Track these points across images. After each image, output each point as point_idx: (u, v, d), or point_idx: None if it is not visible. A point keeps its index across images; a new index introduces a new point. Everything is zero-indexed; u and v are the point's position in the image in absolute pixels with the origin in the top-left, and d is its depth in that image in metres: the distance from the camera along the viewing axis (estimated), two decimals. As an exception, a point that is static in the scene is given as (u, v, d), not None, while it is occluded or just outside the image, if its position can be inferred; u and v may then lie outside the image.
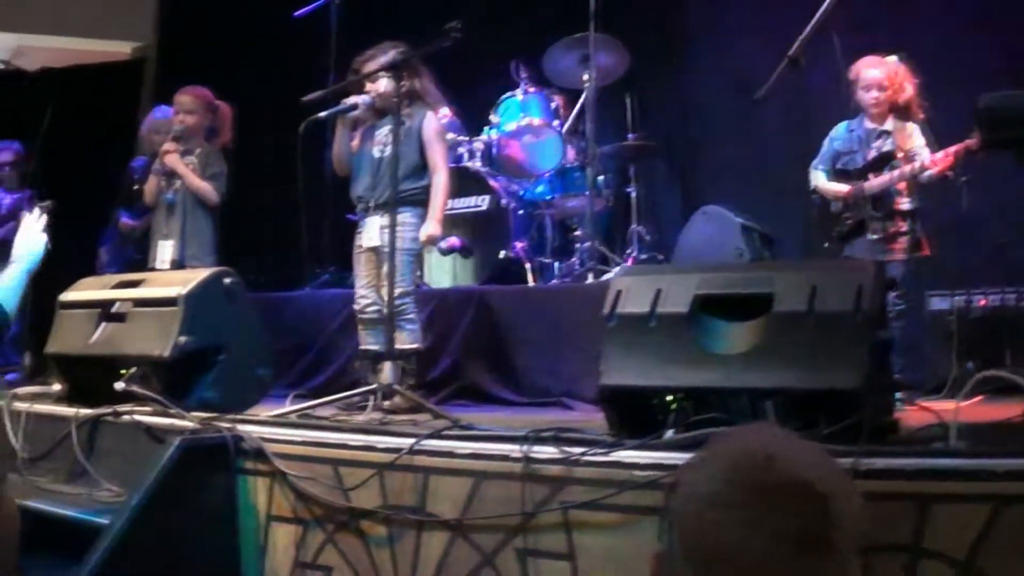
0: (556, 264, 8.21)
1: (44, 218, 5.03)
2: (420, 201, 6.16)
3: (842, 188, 6.71)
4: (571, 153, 8.45)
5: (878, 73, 6.66)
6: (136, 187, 8.25)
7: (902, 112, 6.72)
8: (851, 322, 3.64)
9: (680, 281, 4.00)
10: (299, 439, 4.39)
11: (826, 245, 6.67)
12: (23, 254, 4.94)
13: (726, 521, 1.71)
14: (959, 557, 3.01)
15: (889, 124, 6.74)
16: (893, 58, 6.72)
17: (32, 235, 4.98)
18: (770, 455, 1.73)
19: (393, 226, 5.43)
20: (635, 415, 3.91)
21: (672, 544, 1.80)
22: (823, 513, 1.69)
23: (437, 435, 4.07)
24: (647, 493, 3.46)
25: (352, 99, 6.20)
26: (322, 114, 6.25)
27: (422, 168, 6.20)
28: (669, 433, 3.70)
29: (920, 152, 6.57)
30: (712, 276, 4.03)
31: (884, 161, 6.67)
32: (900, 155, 6.64)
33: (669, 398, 3.88)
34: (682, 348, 3.84)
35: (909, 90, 6.70)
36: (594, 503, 3.56)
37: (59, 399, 5.75)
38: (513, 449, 3.75)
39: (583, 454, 3.62)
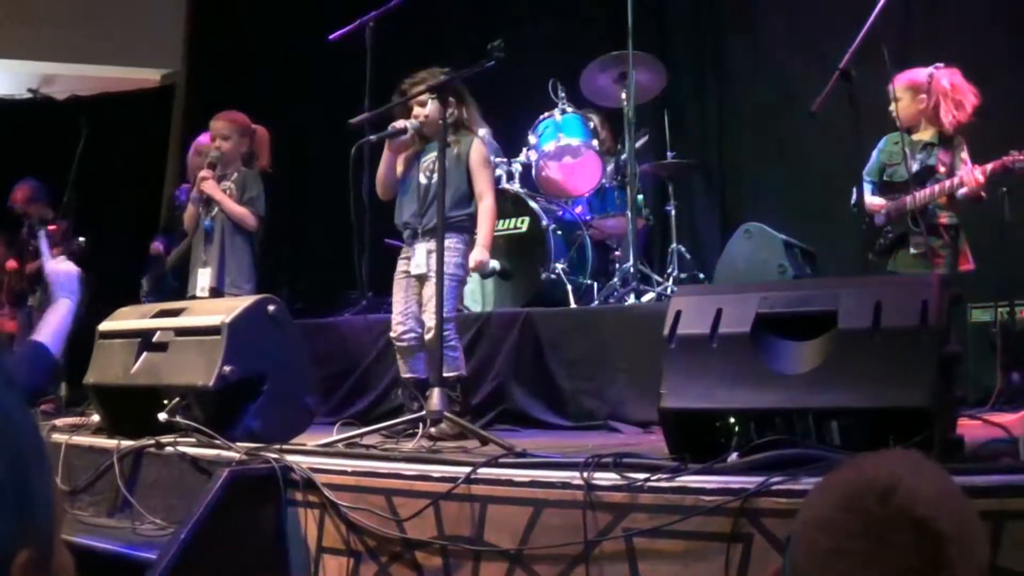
0: (596, 285, 8.13)
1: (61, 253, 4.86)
2: (466, 228, 6.13)
3: (881, 202, 6.69)
4: (609, 172, 8.41)
5: (929, 81, 6.65)
6: (178, 214, 8.23)
7: (942, 124, 6.72)
8: (918, 338, 3.58)
9: (740, 300, 3.93)
10: (349, 469, 4.29)
11: (870, 257, 6.63)
12: (63, 294, 4.74)
13: (838, 551, 1.63)
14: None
15: (934, 136, 6.73)
16: (931, 70, 6.73)
17: (65, 271, 4.79)
18: (891, 486, 1.64)
19: (440, 252, 5.35)
20: (697, 438, 3.82)
21: (788, 568, 1.73)
22: (935, 555, 1.59)
23: (494, 463, 3.96)
24: (714, 519, 3.35)
25: (401, 123, 6.13)
26: (372, 137, 6.20)
27: (469, 195, 6.16)
28: (733, 456, 3.60)
29: (961, 168, 6.57)
30: (773, 294, 3.97)
31: (927, 175, 6.65)
32: (942, 169, 6.63)
33: (732, 420, 3.81)
34: (745, 369, 3.77)
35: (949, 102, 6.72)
36: (659, 530, 3.44)
37: (97, 430, 5.68)
38: (573, 476, 3.64)
39: (647, 480, 3.51)
